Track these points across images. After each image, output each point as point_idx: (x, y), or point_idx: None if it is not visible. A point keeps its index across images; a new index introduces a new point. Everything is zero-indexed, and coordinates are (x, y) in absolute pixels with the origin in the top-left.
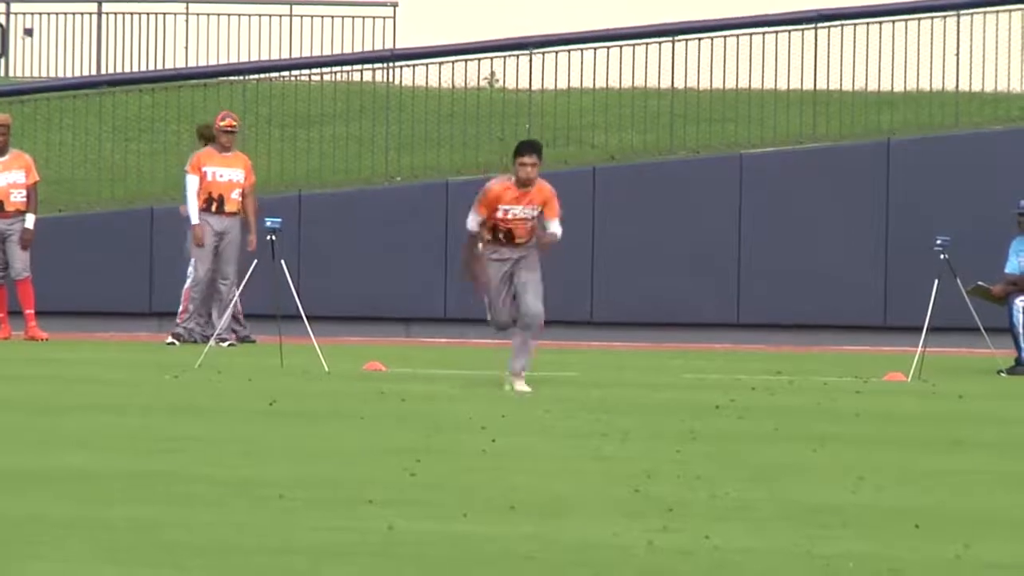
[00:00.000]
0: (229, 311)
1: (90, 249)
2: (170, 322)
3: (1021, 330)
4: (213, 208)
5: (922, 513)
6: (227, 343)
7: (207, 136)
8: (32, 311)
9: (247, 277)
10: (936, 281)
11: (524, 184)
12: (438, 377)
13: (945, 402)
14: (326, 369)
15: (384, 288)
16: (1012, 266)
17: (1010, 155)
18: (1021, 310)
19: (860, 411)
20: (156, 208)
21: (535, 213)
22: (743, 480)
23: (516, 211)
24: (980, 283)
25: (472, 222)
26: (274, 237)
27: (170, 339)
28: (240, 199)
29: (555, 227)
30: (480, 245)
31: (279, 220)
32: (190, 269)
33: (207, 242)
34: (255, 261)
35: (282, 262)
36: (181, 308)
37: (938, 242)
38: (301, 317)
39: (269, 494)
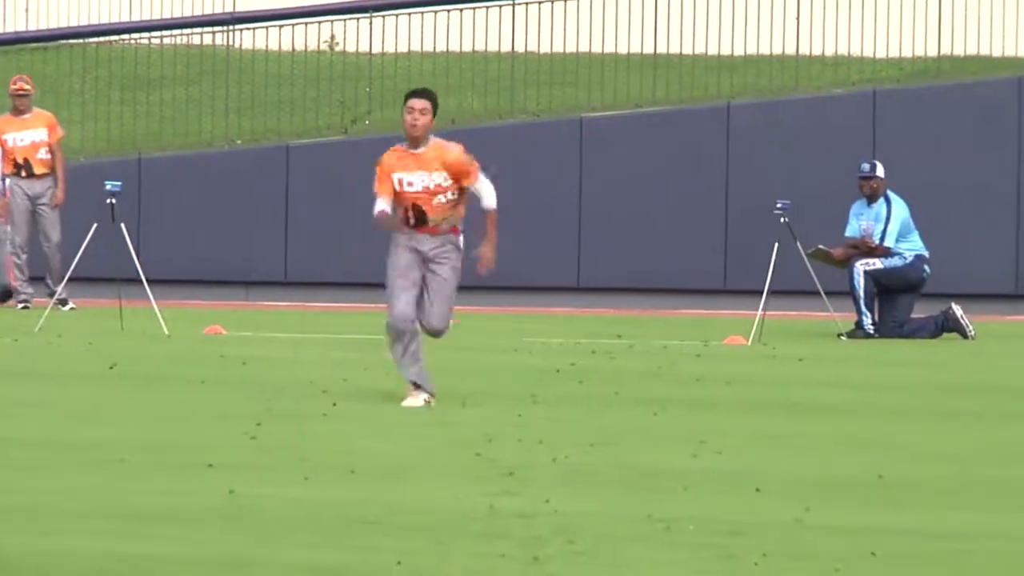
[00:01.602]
0: (55, 273)
1: None
2: None
3: (861, 293)
4: (23, 174)
5: (762, 476)
6: (22, 305)
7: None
8: None
9: (86, 240)
10: (776, 245)
11: (414, 140)
12: (279, 341)
13: (785, 365)
14: (166, 332)
15: (224, 251)
16: (853, 229)
17: (850, 119)
18: (861, 274)
19: (701, 375)
20: None
21: (441, 182)
22: (584, 444)
23: (412, 178)
24: (821, 246)
25: (378, 206)
26: (114, 200)
27: (21, 304)
28: (49, 157)
29: (487, 198)
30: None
31: (119, 183)
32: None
33: (19, 208)
34: (94, 224)
35: (122, 225)
36: (8, 274)
37: (778, 206)
38: (141, 280)
39: (110, 458)
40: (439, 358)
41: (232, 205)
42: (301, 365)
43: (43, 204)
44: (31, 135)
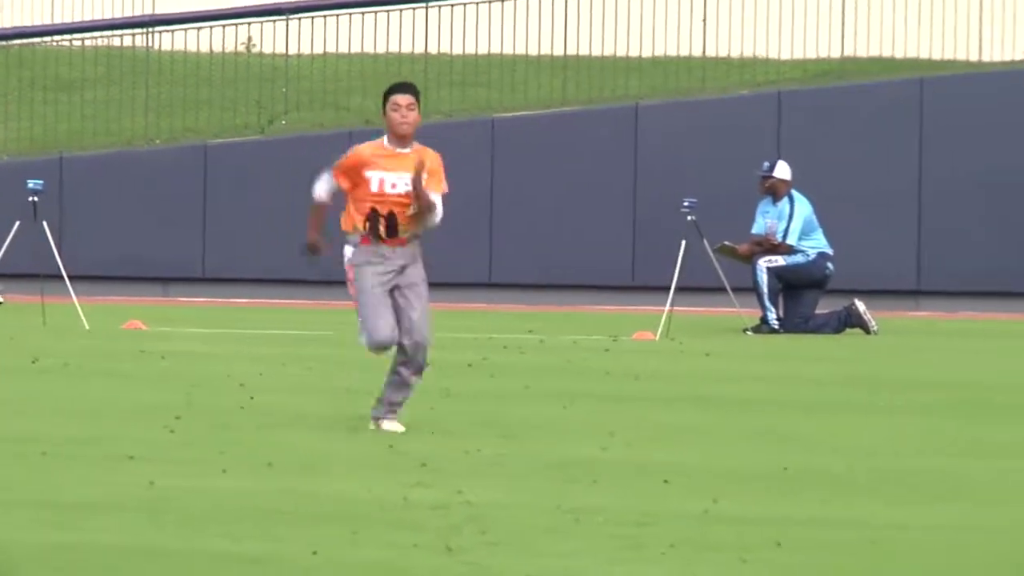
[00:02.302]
0: None
1: None
2: None
3: (764, 289)
4: None
5: (670, 468)
6: None
7: None
8: None
9: (9, 238)
10: (683, 242)
11: (401, 139)
12: (197, 336)
13: (692, 360)
14: (87, 327)
15: (143, 248)
16: (759, 227)
17: (755, 119)
18: (764, 270)
19: (609, 369)
20: None
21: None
22: (495, 437)
23: (394, 179)
24: (726, 243)
25: (320, 188)
26: (36, 198)
27: None
28: None
29: (437, 198)
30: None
31: (41, 182)
32: None
33: None
34: (17, 222)
35: (44, 223)
36: None
37: (685, 204)
38: (62, 276)
39: (32, 450)
40: (356, 353)
41: (151, 203)
42: (219, 360)
43: None
44: None
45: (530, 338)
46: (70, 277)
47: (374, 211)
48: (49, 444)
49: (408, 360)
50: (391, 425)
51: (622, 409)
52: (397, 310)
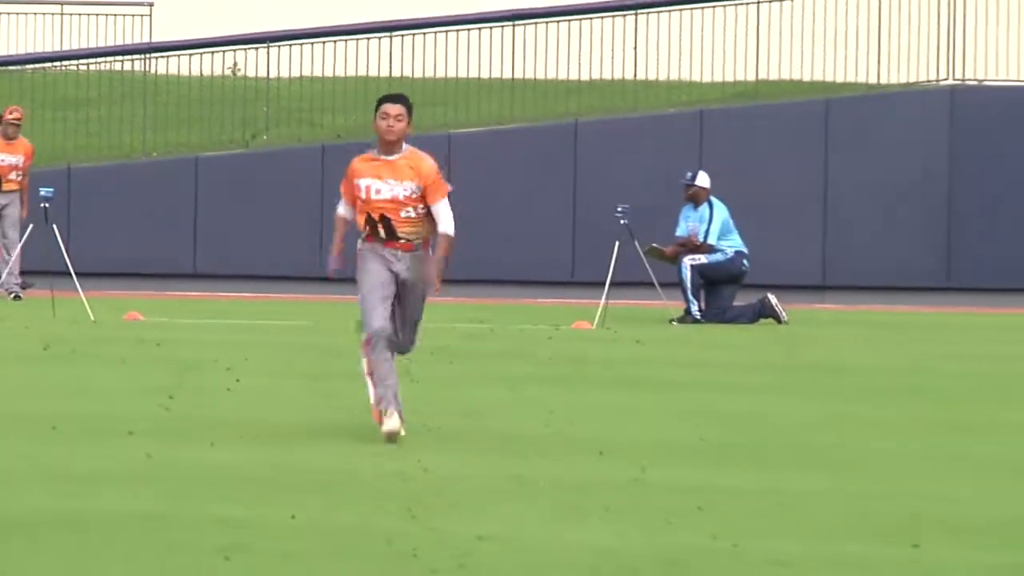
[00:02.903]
0: (8, 268)
1: None
2: None
3: (688, 284)
4: None
5: (605, 442)
6: (12, 295)
7: None
8: None
9: (23, 239)
10: (617, 243)
11: (387, 146)
12: (188, 326)
13: (626, 347)
14: (92, 318)
15: (142, 248)
16: (682, 230)
17: (681, 135)
18: (688, 267)
19: (552, 355)
20: None
21: (410, 193)
22: (454, 415)
23: (380, 186)
24: (655, 245)
25: (339, 208)
26: (47, 205)
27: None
28: (19, 179)
29: (445, 222)
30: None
31: (51, 190)
32: None
33: None
34: (30, 225)
35: (54, 226)
36: None
37: (619, 209)
38: (71, 273)
39: (43, 427)
40: (330, 341)
41: (149, 208)
42: (208, 346)
43: (8, 213)
44: (11, 159)
45: (482, 327)
46: (77, 274)
47: (368, 216)
48: (59, 421)
49: (397, 349)
50: (391, 424)
51: (563, 390)
52: (394, 315)
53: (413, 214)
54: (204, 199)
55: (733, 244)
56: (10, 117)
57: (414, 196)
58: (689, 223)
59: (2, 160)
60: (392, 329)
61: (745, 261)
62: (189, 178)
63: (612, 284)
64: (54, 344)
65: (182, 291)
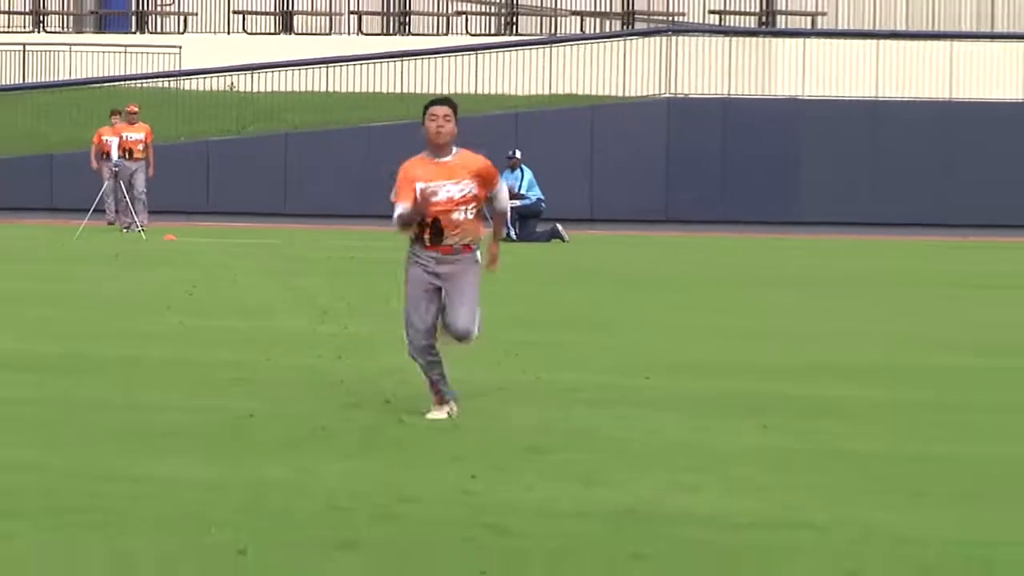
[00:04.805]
0: (133, 211)
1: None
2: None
3: (507, 218)
4: (128, 156)
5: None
6: (127, 230)
7: (119, 113)
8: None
9: (100, 193)
10: None
11: (438, 149)
12: (205, 243)
13: None
14: (144, 239)
15: (172, 194)
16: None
17: (504, 130)
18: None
19: None
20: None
21: (465, 193)
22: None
23: (434, 187)
24: None
25: (398, 211)
26: (116, 168)
27: (125, 228)
28: (143, 150)
29: (503, 200)
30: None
31: (120, 160)
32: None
33: (124, 174)
34: (106, 182)
35: (120, 183)
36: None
37: None
38: (132, 212)
39: (115, 305)
40: (293, 252)
41: (175, 175)
42: (219, 255)
43: (138, 175)
44: (135, 135)
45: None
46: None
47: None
48: (124, 300)
49: (455, 340)
50: (439, 414)
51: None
52: (444, 310)
53: (462, 216)
54: (213, 166)
55: (536, 193)
56: (130, 109)
57: (469, 195)
58: (509, 181)
59: (128, 137)
60: (433, 335)
61: (543, 204)
62: (202, 154)
63: None
64: (122, 255)
65: (200, 222)
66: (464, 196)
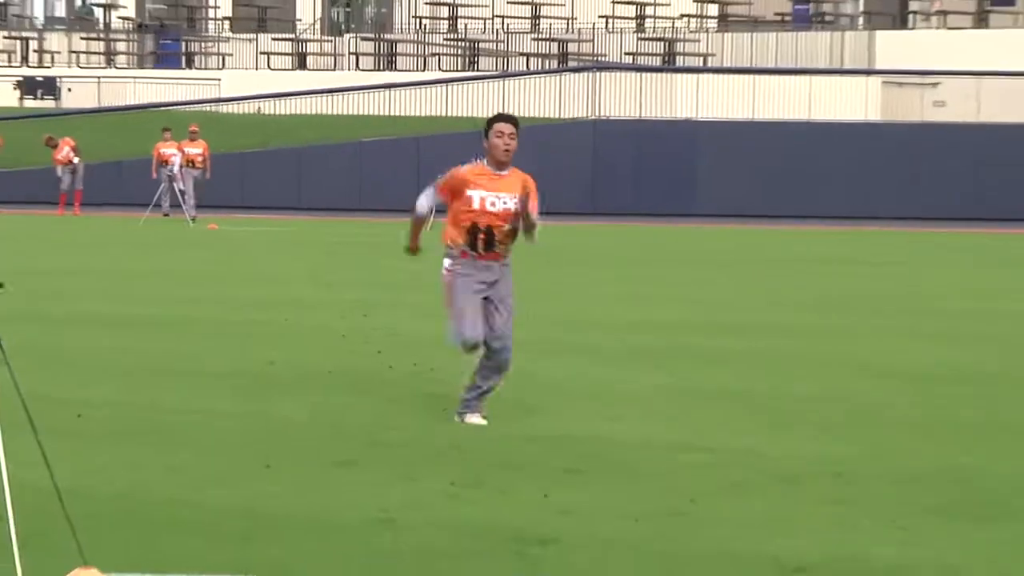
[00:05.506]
0: (190, 204)
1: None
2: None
3: None
4: (191, 166)
5: None
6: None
7: (169, 130)
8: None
9: (158, 193)
10: None
11: (500, 164)
12: (239, 231)
13: None
14: (191, 226)
15: (214, 192)
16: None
17: (404, 152)
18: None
19: None
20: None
21: (517, 205)
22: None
23: (493, 198)
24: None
25: (423, 202)
26: (171, 172)
27: (190, 219)
28: (203, 162)
29: (536, 210)
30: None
31: (175, 166)
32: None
33: (164, 179)
34: (163, 184)
35: (175, 184)
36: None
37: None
38: (181, 205)
39: (163, 278)
40: (294, 233)
41: (215, 178)
42: (251, 239)
43: (189, 179)
44: (195, 152)
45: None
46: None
47: (474, 225)
48: (171, 274)
49: (493, 357)
50: (473, 419)
51: None
52: (487, 316)
53: (508, 227)
54: (245, 172)
55: None
56: (192, 129)
57: (517, 208)
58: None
59: (189, 151)
60: (483, 335)
61: None
62: (236, 165)
63: None
64: (172, 238)
65: (236, 214)
66: (516, 209)
